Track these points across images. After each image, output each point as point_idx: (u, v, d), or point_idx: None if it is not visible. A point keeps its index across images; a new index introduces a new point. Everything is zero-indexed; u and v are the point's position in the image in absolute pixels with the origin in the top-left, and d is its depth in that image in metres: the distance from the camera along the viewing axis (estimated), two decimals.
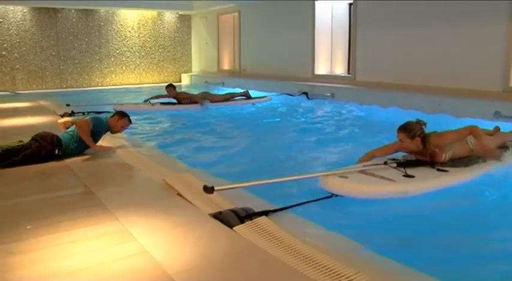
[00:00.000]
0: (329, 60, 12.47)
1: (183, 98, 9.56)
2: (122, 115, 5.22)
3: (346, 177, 3.58)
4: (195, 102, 9.53)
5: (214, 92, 11.00)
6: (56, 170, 4.28)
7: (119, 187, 3.79)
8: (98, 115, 5.09)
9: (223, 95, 10.44)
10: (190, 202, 3.28)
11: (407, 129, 4.06)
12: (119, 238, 2.68)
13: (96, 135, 4.92)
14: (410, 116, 7.98)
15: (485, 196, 4.02)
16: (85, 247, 2.59)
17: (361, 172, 3.75)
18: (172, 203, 3.32)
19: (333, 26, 12.28)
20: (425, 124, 4.15)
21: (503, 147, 4.88)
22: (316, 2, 11.87)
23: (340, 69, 12.45)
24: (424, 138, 4.08)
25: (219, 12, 15.94)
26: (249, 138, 6.73)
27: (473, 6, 8.24)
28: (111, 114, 5.27)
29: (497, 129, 5.12)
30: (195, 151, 5.84)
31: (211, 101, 9.79)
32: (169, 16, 16.95)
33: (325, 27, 12.19)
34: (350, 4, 11.73)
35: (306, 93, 11.10)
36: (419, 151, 4.11)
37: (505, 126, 5.51)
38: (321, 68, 12.35)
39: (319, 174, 3.76)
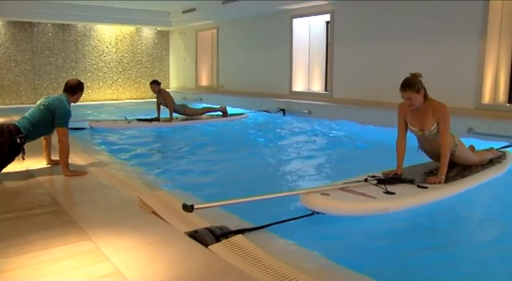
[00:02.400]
0: (306, 77, 12.58)
1: (166, 97, 9.52)
2: (73, 88, 4.89)
3: (328, 194, 3.58)
4: (175, 111, 9.52)
5: (192, 106, 10.98)
6: (28, 188, 4.18)
7: (93, 205, 3.71)
8: (59, 101, 4.68)
9: (200, 108, 10.45)
10: (166, 220, 3.23)
11: (411, 85, 4.22)
12: (92, 258, 2.62)
13: None
14: (386, 132, 8.18)
15: (467, 211, 4.10)
16: (57, 268, 2.52)
17: (342, 189, 3.75)
18: (146, 221, 3.27)
19: (310, 43, 12.42)
20: (420, 75, 4.34)
21: (489, 162, 4.99)
22: (293, 19, 12.00)
23: (317, 87, 12.57)
24: (426, 93, 4.30)
25: (197, 28, 15.99)
26: (226, 156, 6.71)
27: (446, 26, 8.44)
28: (65, 88, 4.90)
29: (472, 148, 5.22)
30: (172, 168, 5.78)
31: (189, 114, 9.78)
32: (148, 32, 16.94)
33: (302, 44, 12.33)
34: (327, 22, 11.90)
35: (283, 110, 11.17)
36: (422, 107, 4.28)
37: (478, 143, 5.65)
38: (299, 85, 12.45)
39: (300, 192, 3.75)
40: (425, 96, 4.29)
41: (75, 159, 5.13)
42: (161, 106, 9.59)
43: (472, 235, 3.64)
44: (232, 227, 3.11)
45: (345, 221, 3.59)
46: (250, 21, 13.48)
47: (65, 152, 4.60)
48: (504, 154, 5.48)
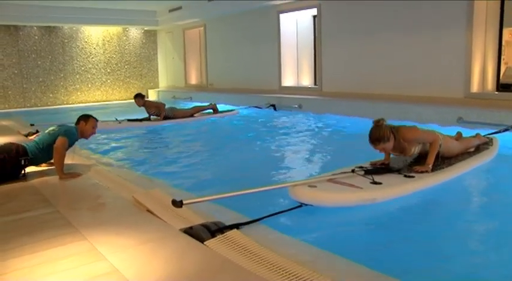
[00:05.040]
0: (295, 72, 12.62)
1: (151, 107, 9.48)
2: (87, 117, 5.05)
3: (315, 186, 3.61)
4: (165, 117, 9.51)
5: (181, 106, 10.96)
6: (21, 191, 4.17)
7: (87, 206, 3.71)
8: (68, 127, 4.87)
9: (190, 109, 10.42)
10: (160, 218, 3.24)
11: (380, 138, 4.07)
12: (88, 258, 2.63)
13: (69, 147, 4.82)
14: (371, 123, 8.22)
15: (452, 199, 4.14)
16: (53, 269, 2.52)
17: (329, 180, 3.79)
18: (141, 219, 3.27)
19: (298, 38, 12.45)
20: (383, 120, 4.17)
21: (476, 150, 5.04)
22: (280, 15, 12.01)
23: (306, 81, 12.60)
24: (394, 133, 4.16)
25: (184, 27, 15.95)
26: (217, 152, 6.72)
27: (433, 17, 8.50)
28: (76, 121, 5.06)
29: (459, 134, 5.26)
30: (164, 166, 5.78)
31: (179, 117, 9.77)
32: (135, 32, 16.87)
33: (290, 39, 12.35)
34: (314, 16, 11.93)
35: (273, 106, 11.20)
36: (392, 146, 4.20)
37: (468, 131, 5.70)
38: (288, 80, 12.48)
39: (288, 184, 3.78)
40: (395, 136, 4.18)
41: (67, 161, 5.10)
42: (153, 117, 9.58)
43: (460, 222, 3.66)
44: (227, 221, 3.12)
45: (335, 212, 3.62)
46: (237, 18, 13.47)
47: (60, 155, 4.61)
48: (491, 140, 5.52)
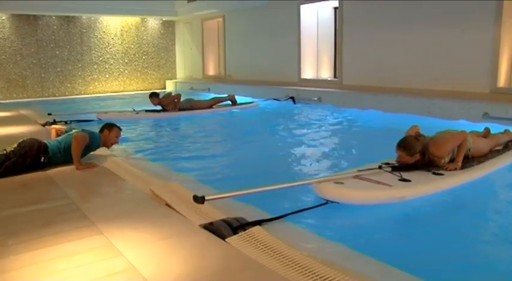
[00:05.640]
0: (315, 64, 12.40)
1: (167, 104, 9.39)
2: (111, 126, 5.07)
3: (342, 183, 3.46)
4: (181, 109, 9.41)
5: (199, 97, 10.84)
6: (38, 182, 4.09)
7: (103, 198, 3.61)
8: (92, 132, 4.91)
9: (208, 100, 10.29)
10: (179, 213, 3.12)
11: (407, 147, 3.98)
12: (105, 254, 2.52)
13: (87, 150, 4.79)
14: (399, 118, 8.03)
15: (480, 198, 3.96)
16: (68, 264, 2.41)
17: (355, 177, 3.63)
18: (160, 213, 3.16)
19: (318, 29, 12.22)
20: (424, 137, 4.10)
21: (505, 147, 4.84)
22: (301, 6, 11.80)
23: (326, 73, 12.39)
24: (423, 150, 4.03)
25: (203, 17, 15.80)
26: (236, 145, 6.59)
27: (460, 8, 8.23)
28: (99, 129, 5.08)
29: (487, 130, 5.06)
30: (182, 159, 5.68)
31: (196, 109, 9.65)
32: (153, 22, 16.77)
33: (310, 31, 12.13)
34: (335, 8, 11.69)
35: (292, 98, 11.01)
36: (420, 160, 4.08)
37: (494, 127, 5.48)
38: (307, 73, 12.27)
39: (313, 180, 3.62)
40: (424, 154, 4.08)
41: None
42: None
43: (485, 221, 3.52)
44: (248, 218, 2.99)
45: (361, 209, 3.47)
46: (257, 9, 13.27)
47: (79, 144, 4.56)
48: None
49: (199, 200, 2.94)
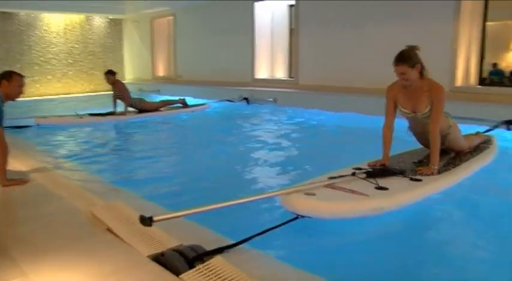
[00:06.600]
0: (270, 63, 12.07)
1: (121, 88, 8.74)
2: (9, 75, 4.12)
3: (313, 194, 3.03)
4: (132, 106, 8.80)
5: (150, 99, 10.23)
6: None
7: (31, 225, 3.00)
8: None
9: (158, 102, 9.74)
10: (124, 240, 2.61)
11: (406, 57, 3.66)
12: None
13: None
14: (357, 119, 7.78)
15: (459, 203, 3.71)
16: None
17: (328, 186, 3.21)
18: (101, 243, 2.63)
19: (273, 28, 11.88)
20: (417, 47, 3.79)
21: (477, 149, 4.63)
22: (255, 3, 11.41)
23: (281, 73, 12.08)
24: (423, 71, 3.75)
25: (152, 16, 15.15)
26: (189, 152, 6.06)
27: (417, 7, 8.14)
28: None
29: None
30: (129, 171, 5.06)
31: (147, 109, 9.07)
32: (99, 21, 15.95)
33: (265, 29, 11.79)
34: (291, 6, 11.37)
35: (246, 99, 10.65)
36: (416, 85, 3.77)
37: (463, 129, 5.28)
38: (262, 72, 11.93)
39: (280, 192, 3.16)
40: (422, 72, 3.76)
41: (15, 164, 4.37)
42: (118, 101, 8.80)
43: (464, 227, 3.32)
44: (207, 244, 2.52)
45: (336, 223, 3.08)
46: (209, 7, 12.81)
47: (1, 150, 3.76)
48: (490, 138, 5.15)
49: (146, 222, 2.44)
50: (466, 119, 6.57)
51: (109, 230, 2.77)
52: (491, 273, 2.61)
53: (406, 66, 3.65)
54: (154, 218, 2.48)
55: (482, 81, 8.47)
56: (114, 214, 2.99)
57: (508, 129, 6.37)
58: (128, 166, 5.31)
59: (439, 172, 3.74)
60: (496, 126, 6.25)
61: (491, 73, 10.51)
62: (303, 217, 2.96)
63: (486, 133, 5.50)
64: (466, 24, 7.86)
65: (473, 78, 8.38)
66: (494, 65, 10.90)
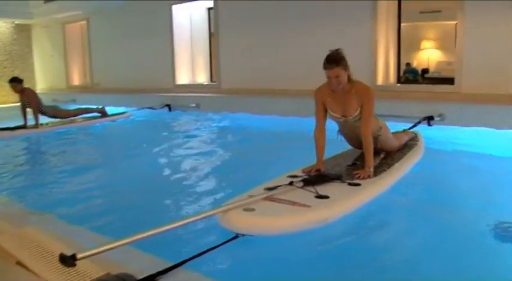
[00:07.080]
0: (190, 68, 11.78)
1: (30, 96, 7.99)
2: None
3: (253, 209, 2.81)
4: (42, 112, 8.13)
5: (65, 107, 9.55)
6: None
7: None
8: None
9: (74, 110, 9.15)
10: (39, 275, 2.25)
11: (339, 59, 3.57)
12: None
13: None
14: (284, 121, 7.72)
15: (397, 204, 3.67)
16: None
17: (267, 198, 3.01)
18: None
19: (192, 31, 11.61)
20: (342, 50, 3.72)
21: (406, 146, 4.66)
22: (173, 6, 11.08)
23: (202, 78, 11.83)
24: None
25: (64, 20, 14.30)
26: (109, 167, 5.53)
27: (333, 7, 8.28)
28: None
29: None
30: (44, 190, 4.41)
31: (60, 116, 8.45)
32: (3, 26, 14.80)
33: (184, 33, 11.48)
34: (209, 8, 11.16)
35: (168, 106, 10.33)
36: (344, 89, 3.69)
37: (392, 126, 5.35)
38: (183, 78, 11.62)
39: (217, 210, 2.87)
40: (349, 75, 3.70)
41: None
42: (27, 109, 8.07)
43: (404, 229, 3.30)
44: (139, 271, 2.23)
45: (278, 238, 2.88)
46: (125, 10, 12.29)
47: None
48: (416, 135, 5.25)
49: (67, 261, 2.07)
50: (391, 117, 6.73)
51: (19, 263, 2.38)
52: (431, 271, 2.56)
53: (340, 68, 3.56)
54: (78, 256, 2.13)
55: (399, 79, 8.80)
56: (25, 242, 2.59)
57: (429, 125, 6.57)
58: (40, 185, 4.70)
59: (376, 174, 3.68)
60: (418, 123, 6.40)
61: (406, 72, 11.04)
62: (243, 235, 2.73)
63: (411, 130, 5.60)
64: (383, 25, 8.08)
65: (392, 77, 8.65)
66: (408, 64, 11.51)
